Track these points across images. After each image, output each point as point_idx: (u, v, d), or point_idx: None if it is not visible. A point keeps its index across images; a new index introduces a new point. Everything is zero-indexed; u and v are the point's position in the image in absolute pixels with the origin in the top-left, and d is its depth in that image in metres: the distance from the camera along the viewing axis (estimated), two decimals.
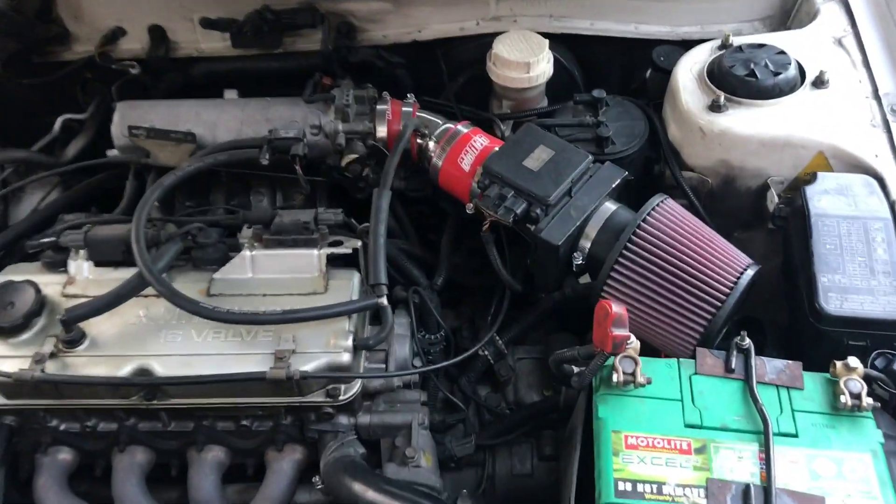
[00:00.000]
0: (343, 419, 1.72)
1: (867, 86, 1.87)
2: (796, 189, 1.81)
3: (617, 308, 1.46)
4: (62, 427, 1.73)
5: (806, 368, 1.50)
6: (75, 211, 1.99)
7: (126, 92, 2.21)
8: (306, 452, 1.75)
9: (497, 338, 1.97)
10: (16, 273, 1.80)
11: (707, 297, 1.60)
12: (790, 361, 1.51)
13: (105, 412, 1.72)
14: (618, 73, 2.33)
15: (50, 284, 1.77)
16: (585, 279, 2.00)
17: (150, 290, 1.70)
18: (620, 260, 1.66)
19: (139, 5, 2.18)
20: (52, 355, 1.64)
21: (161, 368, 1.64)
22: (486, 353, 1.98)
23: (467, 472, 1.92)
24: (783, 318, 1.81)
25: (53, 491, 1.71)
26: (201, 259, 1.79)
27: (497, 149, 1.85)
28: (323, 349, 1.65)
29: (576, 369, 1.60)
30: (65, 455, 1.76)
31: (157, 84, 2.24)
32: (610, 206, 1.76)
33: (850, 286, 1.58)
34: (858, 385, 1.44)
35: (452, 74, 2.23)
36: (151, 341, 1.67)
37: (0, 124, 2.33)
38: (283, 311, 1.63)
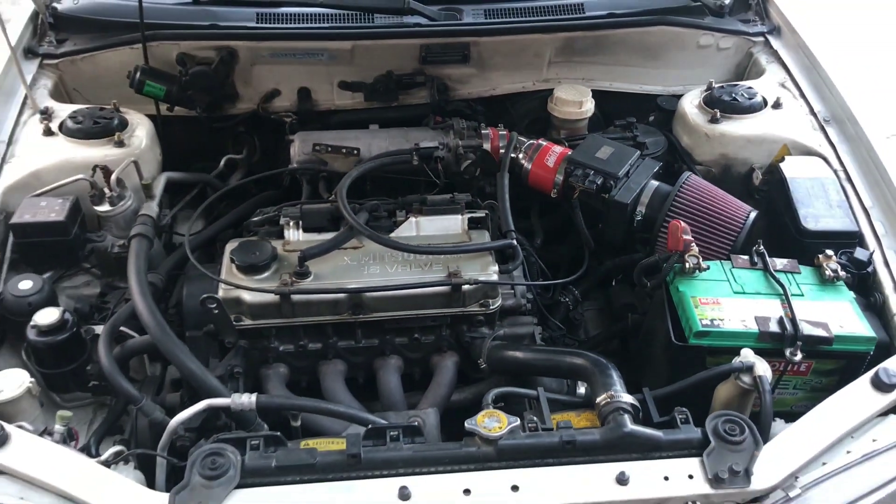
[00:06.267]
0: (485, 330, 2.44)
1: (805, 108, 2.87)
2: (771, 172, 2.73)
3: (684, 223, 2.30)
4: (282, 348, 2.39)
5: None
6: None
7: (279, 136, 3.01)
8: (460, 357, 2.45)
9: (574, 289, 2.76)
10: None
11: (731, 226, 2.46)
12: (789, 259, 2.36)
13: (316, 331, 2.37)
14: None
15: None
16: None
17: (349, 245, 2.43)
18: (671, 210, 2.51)
19: (294, 74, 3.02)
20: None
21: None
22: (567, 300, 2.76)
23: None
24: None
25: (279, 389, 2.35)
26: (378, 227, 2.53)
27: (573, 150, 2.72)
28: (479, 273, 2.39)
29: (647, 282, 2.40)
30: (283, 369, 2.40)
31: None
32: (655, 183, 2.62)
33: (819, 214, 2.48)
34: (835, 265, 2.30)
35: (518, 119, 3.13)
36: (358, 274, 2.36)
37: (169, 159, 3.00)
38: (453, 245, 2.40)
